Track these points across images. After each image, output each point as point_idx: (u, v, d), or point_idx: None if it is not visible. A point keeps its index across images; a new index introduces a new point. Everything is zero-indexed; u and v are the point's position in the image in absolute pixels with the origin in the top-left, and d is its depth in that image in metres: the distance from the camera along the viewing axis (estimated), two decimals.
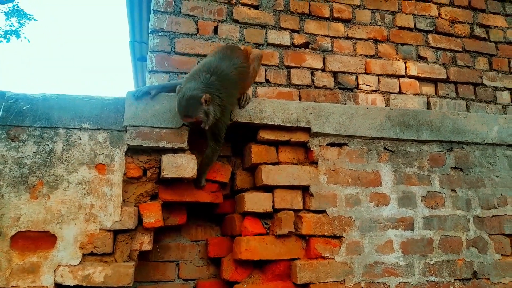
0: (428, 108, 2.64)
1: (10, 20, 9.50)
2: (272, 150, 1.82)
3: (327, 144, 1.86)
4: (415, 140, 1.97)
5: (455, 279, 1.85)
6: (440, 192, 1.94)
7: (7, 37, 9.35)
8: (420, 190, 1.92)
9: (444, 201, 1.93)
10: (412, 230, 1.85)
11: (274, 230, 1.72)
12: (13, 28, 9.47)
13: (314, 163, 1.84)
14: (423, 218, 1.88)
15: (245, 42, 2.43)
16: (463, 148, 2.05)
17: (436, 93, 2.70)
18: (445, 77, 2.73)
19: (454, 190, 1.96)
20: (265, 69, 2.43)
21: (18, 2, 9.62)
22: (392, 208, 1.85)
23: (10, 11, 9.45)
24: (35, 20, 9.70)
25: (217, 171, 1.84)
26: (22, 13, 9.56)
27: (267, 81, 2.42)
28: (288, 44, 2.51)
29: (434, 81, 2.72)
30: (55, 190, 1.55)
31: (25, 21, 9.59)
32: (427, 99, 2.67)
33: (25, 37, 9.66)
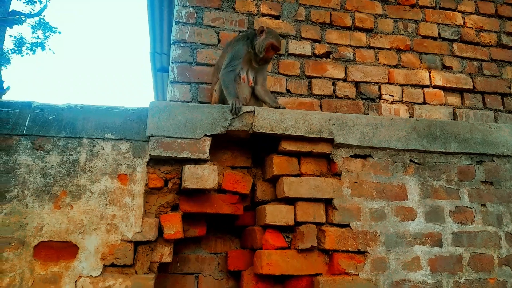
0: (454, 119, 2.56)
1: (36, 33, 9.84)
2: (294, 162, 1.79)
3: (350, 156, 1.82)
4: (442, 152, 1.90)
5: None
6: (469, 207, 1.86)
7: (33, 49, 9.67)
8: (449, 204, 1.84)
9: (474, 216, 1.85)
10: (441, 246, 1.77)
11: (296, 244, 1.67)
12: (39, 41, 9.80)
13: (337, 175, 1.79)
14: (452, 234, 1.80)
15: None
16: (493, 161, 1.96)
17: (462, 104, 2.62)
18: (471, 87, 2.65)
19: (484, 205, 1.88)
20: (286, 79, 2.41)
21: (44, 16, 9.97)
22: (419, 223, 1.78)
23: (36, 24, 9.79)
24: (59, 32, 10.02)
25: (238, 182, 1.81)
26: (48, 26, 9.90)
27: (288, 91, 2.40)
28: (309, 54, 2.49)
29: (460, 91, 2.64)
30: (78, 200, 1.55)
31: (50, 34, 9.92)
32: (453, 110, 2.59)
33: (49, 49, 9.98)
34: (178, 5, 2.35)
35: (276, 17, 2.50)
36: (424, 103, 2.57)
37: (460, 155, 1.93)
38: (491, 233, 1.85)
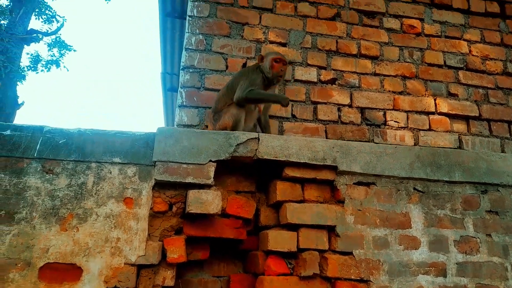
0: (460, 146, 2.56)
1: (52, 51, 10.15)
2: (298, 188, 1.80)
3: (354, 183, 1.83)
4: (446, 181, 1.90)
5: None
6: (474, 237, 1.85)
7: (48, 66, 9.96)
8: (453, 234, 1.83)
9: (479, 247, 1.83)
10: (445, 276, 1.75)
11: (298, 271, 1.67)
12: (54, 58, 10.09)
13: (341, 202, 1.80)
14: (457, 264, 1.78)
15: None
16: (499, 191, 1.96)
17: (468, 131, 2.63)
18: (477, 114, 2.66)
19: (489, 235, 1.86)
20: (292, 104, 2.45)
21: (60, 34, 10.30)
22: (423, 252, 1.77)
23: (52, 42, 10.11)
24: (74, 50, 10.32)
25: (242, 207, 1.83)
26: (63, 44, 10.21)
27: (293, 116, 2.44)
28: (315, 80, 2.53)
29: (466, 118, 2.65)
30: (84, 223, 1.58)
31: (65, 52, 10.21)
32: (459, 137, 2.59)
33: (64, 66, 10.26)
34: (188, 32, 2.43)
35: (283, 45, 2.56)
36: (430, 129, 2.58)
37: (465, 184, 1.92)
38: (496, 264, 1.82)
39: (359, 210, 1.78)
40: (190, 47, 2.40)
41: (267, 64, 2.07)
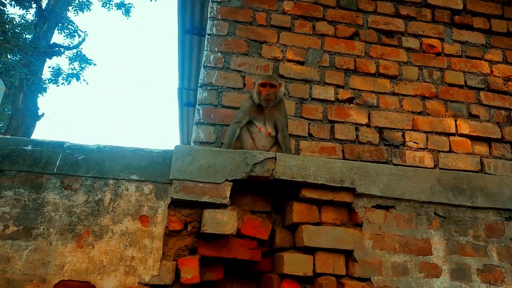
0: (481, 169, 2.49)
1: (73, 64, 10.43)
2: (314, 210, 1.77)
3: (372, 206, 1.79)
4: (469, 207, 1.84)
5: None
6: (498, 266, 1.77)
7: (69, 79, 10.22)
8: (476, 262, 1.76)
9: (504, 277, 1.75)
10: None
11: None
12: (75, 72, 10.36)
13: (359, 225, 1.75)
14: None
15: (289, 96, 2.47)
16: None
17: (490, 153, 2.56)
18: (499, 136, 2.59)
19: None
20: (309, 123, 2.43)
21: (81, 48, 10.60)
22: (444, 280, 1.70)
23: (73, 56, 10.39)
24: (94, 65, 10.58)
25: (257, 227, 1.80)
26: (84, 58, 10.49)
27: (310, 135, 2.42)
28: (333, 99, 2.52)
29: (488, 141, 2.58)
30: (100, 240, 1.58)
31: (86, 66, 10.48)
32: (480, 159, 2.52)
33: (84, 80, 10.52)
34: (207, 50, 2.46)
35: (301, 63, 2.56)
36: (450, 151, 2.52)
37: (488, 210, 1.86)
38: None
39: (378, 234, 1.74)
40: (208, 65, 2.42)
41: (255, 90, 2.11)
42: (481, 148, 2.56)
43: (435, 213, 1.82)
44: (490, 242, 1.81)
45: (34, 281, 1.48)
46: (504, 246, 1.81)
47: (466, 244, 1.79)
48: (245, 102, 2.18)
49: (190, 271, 1.63)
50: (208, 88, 2.38)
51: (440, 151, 2.51)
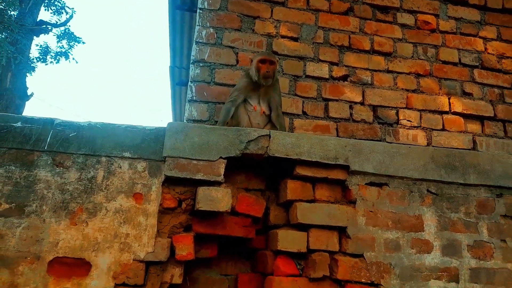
0: (474, 147, 2.51)
1: (61, 43, 10.16)
2: (309, 187, 1.78)
3: (366, 184, 1.80)
4: (461, 184, 1.86)
5: None
6: (488, 242, 1.81)
7: (57, 58, 9.97)
8: (466, 238, 1.79)
9: (493, 252, 1.79)
10: (457, 282, 1.71)
11: (307, 272, 1.65)
12: (63, 50, 10.10)
13: (352, 202, 1.77)
14: (470, 269, 1.74)
15: (283, 73, 2.44)
16: None
17: (482, 132, 2.57)
18: (492, 114, 2.61)
19: (504, 241, 1.82)
20: (303, 101, 2.41)
21: (69, 26, 10.30)
22: (435, 256, 1.73)
23: (61, 34, 10.11)
24: (83, 42, 10.31)
25: (251, 205, 1.81)
26: (73, 36, 10.21)
27: (304, 113, 2.40)
28: (327, 76, 2.49)
29: (481, 119, 2.60)
30: (94, 218, 1.57)
31: (74, 44, 10.22)
32: (473, 138, 2.54)
33: (73, 58, 10.27)
34: (199, 25, 2.40)
35: (295, 39, 2.52)
36: (443, 129, 2.53)
37: (480, 187, 1.88)
38: (511, 271, 1.78)
39: (371, 211, 1.75)
40: (200, 41, 2.37)
41: (253, 67, 2.05)
42: (474, 126, 2.58)
43: (427, 190, 1.84)
44: (481, 218, 1.84)
45: (28, 258, 1.48)
46: (494, 222, 1.85)
47: (458, 221, 1.81)
48: (241, 79, 2.13)
49: (185, 248, 1.64)
50: (201, 64, 2.33)
51: (433, 129, 2.52)
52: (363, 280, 1.63)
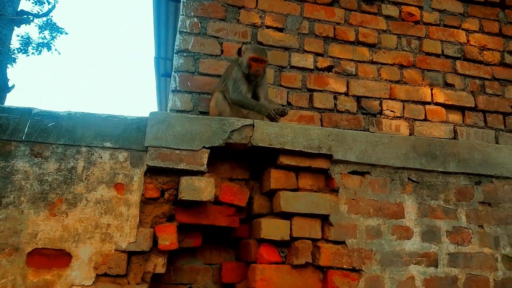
0: (454, 137, 2.55)
1: (43, 33, 9.91)
2: (292, 176, 1.78)
3: (348, 172, 1.81)
4: (441, 172, 1.89)
5: None
6: (466, 228, 1.85)
7: (39, 49, 9.74)
8: (446, 224, 1.83)
9: (471, 238, 1.84)
10: (436, 266, 1.75)
11: (290, 260, 1.67)
12: (45, 41, 9.86)
13: (335, 191, 1.78)
14: (448, 254, 1.79)
15: (268, 64, 2.42)
16: (492, 182, 1.96)
17: (463, 122, 2.62)
18: (473, 105, 2.65)
19: (481, 226, 1.87)
20: (288, 91, 2.42)
21: (52, 17, 10.05)
22: (415, 242, 1.77)
23: (43, 25, 9.87)
24: (66, 33, 10.09)
25: (235, 194, 1.81)
26: (55, 26, 9.97)
27: (289, 103, 2.40)
28: (312, 67, 2.49)
29: (462, 109, 2.64)
30: (74, 208, 1.55)
31: (57, 35, 9.99)
32: (454, 128, 2.59)
33: (56, 49, 10.05)
34: (183, 14, 2.37)
35: (280, 30, 2.51)
36: (425, 120, 2.57)
37: (459, 175, 1.92)
38: (487, 255, 1.83)
39: (353, 199, 1.77)
40: (184, 30, 2.34)
41: (245, 61, 2.06)
42: (455, 117, 2.62)
43: (408, 178, 1.87)
44: (460, 205, 1.88)
45: (6, 250, 1.45)
46: (472, 209, 1.89)
47: (437, 208, 1.85)
48: (233, 70, 2.09)
49: (168, 238, 1.64)
50: (184, 54, 2.31)
51: (415, 120, 2.55)
52: (345, 266, 1.66)
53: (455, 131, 2.58)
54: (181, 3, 2.43)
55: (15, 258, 1.45)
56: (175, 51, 2.34)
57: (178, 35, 2.35)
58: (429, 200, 1.85)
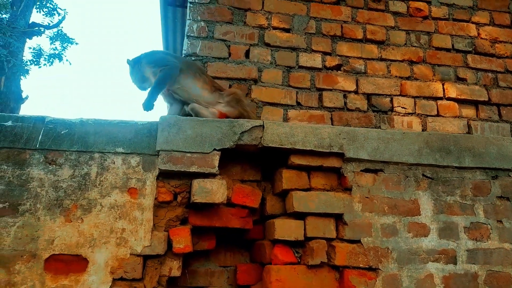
0: (469, 132, 2.51)
1: (54, 44, 10.11)
2: (304, 176, 1.77)
3: (361, 170, 1.79)
4: (456, 167, 1.86)
5: None
6: (485, 223, 1.81)
7: (51, 60, 9.92)
8: (463, 220, 1.79)
9: (490, 233, 1.80)
10: (455, 263, 1.72)
11: (305, 260, 1.65)
12: (56, 52, 10.05)
13: (348, 189, 1.77)
14: (467, 251, 1.75)
15: (276, 65, 2.43)
16: (510, 176, 1.91)
17: (477, 116, 2.57)
18: (486, 99, 2.60)
19: (500, 221, 1.82)
20: (297, 91, 2.40)
21: (62, 27, 10.25)
22: (432, 239, 1.74)
23: (54, 36, 10.06)
24: (76, 44, 10.27)
25: (247, 195, 1.81)
26: (65, 37, 10.16)
27: (298, 103, 2.39)
28: (320, 66, 2.48)
29: (475, 103, 2.59)
30: (89, 214, 1.57)
31: (67, 45, 10.17)
32: (468, 122, 2.54)
33: (67, 60, 10.23)
34: (190, 19, 2.39)
35: (287, 30, 2.50)
36: (438, 115, 2.53)
37: (475, 170, 1.88)
38: (508, 251, 1.79)
39: (367, 197, 1.75)
40: (191, 35, 2.36)
41: None
42: (468, 111, 2.57)
43: (423, 175, 1.84)
44: (477, 200, 1.84)
45: (24, 257, 1.47)
46: (490, 204, 1.85)
47: (454, 204, 1.82)
48: None
49: (182, 241, 1.64)
50: (193, 58, 2.32)
51: (428, 115, 2.51)
52: (361, 265, 1.64)
53: (469, 126, 2.53)
54: (188, 8, 2.45)
55: (33, 264, 1.47)
56: (183, 55, 2.35)
57: (185, 40, 2.37)
58: (445, 196, 1.82)
